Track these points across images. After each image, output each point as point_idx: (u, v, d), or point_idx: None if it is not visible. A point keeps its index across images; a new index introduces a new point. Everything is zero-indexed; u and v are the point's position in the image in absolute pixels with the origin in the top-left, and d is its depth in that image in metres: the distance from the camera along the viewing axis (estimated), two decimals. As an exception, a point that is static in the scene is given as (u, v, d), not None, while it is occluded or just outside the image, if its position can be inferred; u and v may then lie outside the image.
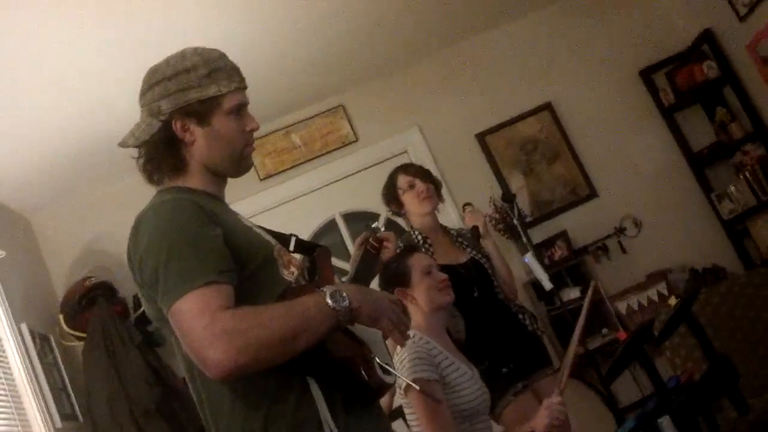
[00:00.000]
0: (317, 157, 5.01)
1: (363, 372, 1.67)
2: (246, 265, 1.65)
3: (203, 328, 1.49)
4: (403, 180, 3.50)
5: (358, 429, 1.67)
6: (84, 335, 4.29)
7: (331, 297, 1.59)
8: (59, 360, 4.28)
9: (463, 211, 3.59)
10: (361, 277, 2.04)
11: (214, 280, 1.55)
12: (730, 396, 2.71)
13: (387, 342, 1.87)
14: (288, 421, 1.62)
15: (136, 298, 4.49)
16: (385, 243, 2.07)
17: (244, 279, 1.63)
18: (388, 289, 2.76)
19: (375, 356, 1.71)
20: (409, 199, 3.46)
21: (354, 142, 5.02)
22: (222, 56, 1.81)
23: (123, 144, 1.81)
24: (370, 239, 2.07)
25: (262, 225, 1.90)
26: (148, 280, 1.61)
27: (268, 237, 1.81)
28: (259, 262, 1.68)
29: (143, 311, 4.35)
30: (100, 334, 4.23)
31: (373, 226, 2.12)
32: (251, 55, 3.82)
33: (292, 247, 1.92)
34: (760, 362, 3.97)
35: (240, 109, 1.81)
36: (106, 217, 4.79)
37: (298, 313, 1.57)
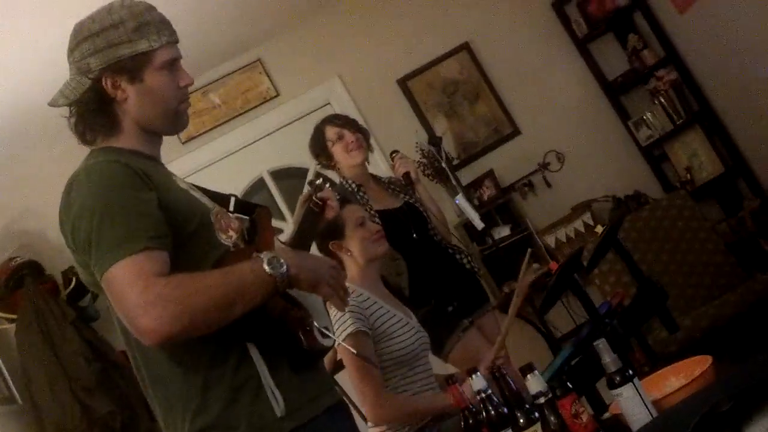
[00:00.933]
0: (239, 115, 4.94)
1: (301, 336, 1.67)
2: (181, 230, 1.62)
3: (137, 295, 1.47)
4: (331, 131, 3.46)
5: (300, 389, 1.67)
6: (14, 317, 4.19)
7: (269, 263, 1.58)
8: (-9, 344, 4.18)
9: (392, 159, 3.58)
10: (303, 235, 2.02)
11: (148, 246, 1.52)
12: (659, 316, 2.81)
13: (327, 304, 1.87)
14: (227, 385, 1.62)
15: (65, 274, 4.40)
16: (328, 202, 2.06)
17: (180, 244, 1.60)
18: (322, 243, 2.75)
19: (313, 320, 1.71)
20: (338, 151, 3.43)
21: (275, 97, 4.95)
22: (150, 8, 1.75)
23: (53, 103, 1.74)
24: (313, 197, 2.05)
25: (199, 186, 1.87)
26: (81, 245, 1.58)
27: (205, 199, 1.78)
28: (195, 226, 1.65)
29: (74, 288, 4.30)
30: (31, 314, 4.14)
31: (317, 182, 2.10)
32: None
33: (231, 207, 1.89)
34: (685, 281, 4.13)
35: (172, 64, 1.75)
36: (27, 195, 4.64)
37: (235, 280, 1.55)
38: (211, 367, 1.62)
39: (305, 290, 1.68)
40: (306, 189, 2.12)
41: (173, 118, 1.78)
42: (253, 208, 1.90)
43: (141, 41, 1.70)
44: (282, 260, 1.60)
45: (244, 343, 1.63)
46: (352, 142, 3.42)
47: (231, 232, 1.73)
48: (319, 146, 3.50)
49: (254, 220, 1.84)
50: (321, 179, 2.10)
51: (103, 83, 1.70)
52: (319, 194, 2.05)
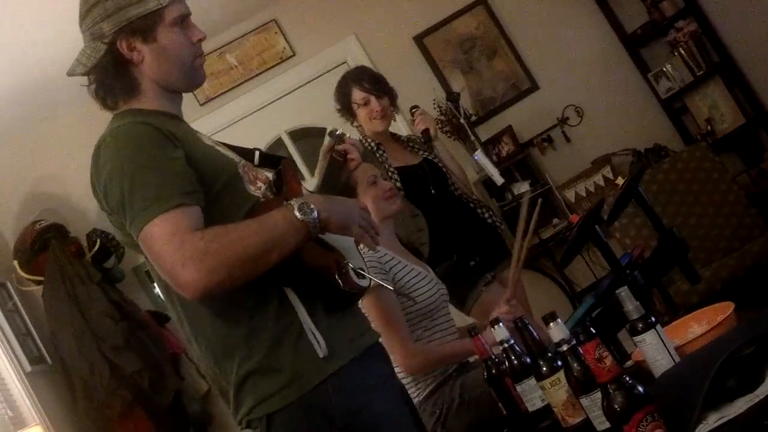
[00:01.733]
0: (255, 76, 4.94)
1: (338, 278, 1.70)
2: (212, 185, 1.64)
3: (175, 250, 1.50)
4: (358, 95, 3.39)
5: (339, 331, 1.71)
6: (41, 279, 4.26)
7: (299, 210, 1.60)
8: (20, 306, 4.25)
9: (411, 115, 3.57)
10: (327, 186, 2.03)
11: (181, 203, 1.54)
12: (681, 267, 2.81)
13: (360, 247, 1.90)
14: (270, 332, 1.65)
15: (89, 236, 4.46)
16: (349, 155, 2.06)
17: (211, 198, 1.62)
18: None
19: (348, 262, 1.74)
20: (362, 115, 3.39)
21: (291, 57, 4.94)
22: None
23: (71, 72, 1.76)
24: (336, 147, 2.06)
25: (223, 142, 1.89)
26: (115, 207, 1.60)
27: (231, 154, 1.80)
28: (225, 181, 1.67)
29: (98, 249, 4.35)
30: (58, 276, 4.20)
31: (337, 133, 2.10)
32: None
33: (256, 161, 1.91)
34: (706, 233, 4.12)
35: (183, 21, 1.77)
36: (48, 158, 4.69)
37: (268, 229, 1.57)
38: (252, 316, 1.66)
39: (337, 232, 1.70)
40: (327, 140, 2.12)
41: (190, 74, 1.79)
42: (278, 161, 1.92)
43: (150, 0, 1.71)
44: (312, 205, 1.62)
45: (282, 290, 1.67)
46: (377, 110, 3.36)
47: (259, 183, 1.75)
48: (343, 104, 3.46)
49: (280, 171, 1.86)
50: (340, 130, 2.11)
51: (119, 46, 1.71)
52: (339, 146, 2.06)
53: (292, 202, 1.62)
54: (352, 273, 1.74)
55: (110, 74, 1.73)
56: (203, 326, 1.69)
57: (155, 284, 4.61)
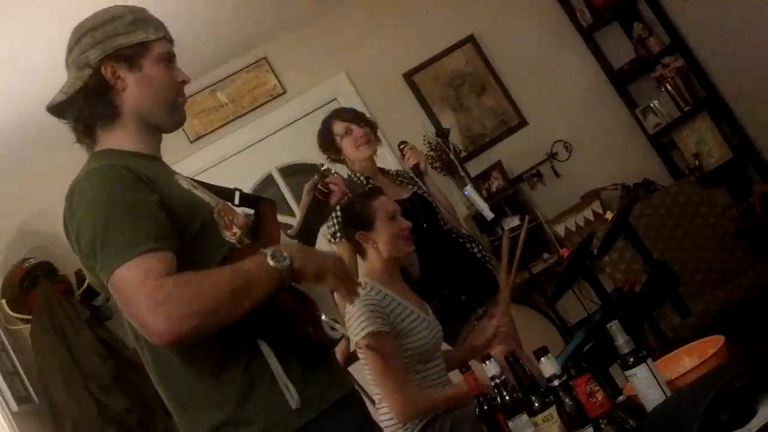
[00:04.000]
0: (246, 113, 4.95)
1: (311, 331, 1.68)
2: (186, 230, 1.62)
3: (145, 296, 1.47)
4: (339, 126, 3.46)
5: (312, 382, 1.68)
6: (29, 317, 4.22)
7: (272, 257, 1.59)
8: (6, 344, 4.21)
9: (401, 150, 3.59)
10: (309, 224, 2.03)
11: (154, 247, 1.52)
12: (671, 301, 2.82)
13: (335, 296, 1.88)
14: (239, 382, 1.63)
15: (78, 274, 4.43)
16: (332, 187, 2.06)
17: (185, 243, 1.60)
18: (348, 230, 2.75)
19: (320, 314, 1.72)
20: (347, 145, 3.44)
21: (282, 94, 4.97)
22: (146, 10, 1.80)
23: (52, 103, 1.76)
24: (319, 185, 2.06)
25: (203, 181, 1.88)
26: (87, 251, 1.58)
27: (209, 197, 1.78)
28: (199, 225, 1.66)
29: (87, 287, 4.32)
30: (46, 314, 4.16)
31: (323, 168, 2.11)
32: (168, 15, 3.73)
33: (237, 201, 1.91)
34: (696, 267, 4.13)
35: (169, 60, 1.79)
36: (37, 196, 4.66)
37: (241, 276, 1.56)
38: (222, 364, 1.63)
39: (312, 281, 1.68)
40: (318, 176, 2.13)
41: (172, 110, 1.79)
42: (257, 202, 1.91)
43: (138, 32, 1.74)
44: (285, 254, 1.61)
45: (253, 339, 1.64)
46: (360, 136, 3.42)
47: (235, 229, 1.73)
48: (327, 141, 3.50)
49: (259, 214, 1.85)
50: (326, 166, 2.11)
51: (103, 71, 1.72)
52: (327, 180, 2.06)
53: (266, 250, 1.60)
54: (325, 325, 1.71)
55: (91, 100, 1.73)
56: (171, 374, 1.67)
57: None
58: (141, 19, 1.76)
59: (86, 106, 1.73)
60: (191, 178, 1.85)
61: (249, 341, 1.64)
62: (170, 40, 1.81)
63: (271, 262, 1.58)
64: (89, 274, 1.67)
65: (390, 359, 2.53)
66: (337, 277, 1.71)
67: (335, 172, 2.12)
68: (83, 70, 1.72)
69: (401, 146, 3.57)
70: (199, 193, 1.77)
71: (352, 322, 2.56)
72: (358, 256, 2.90)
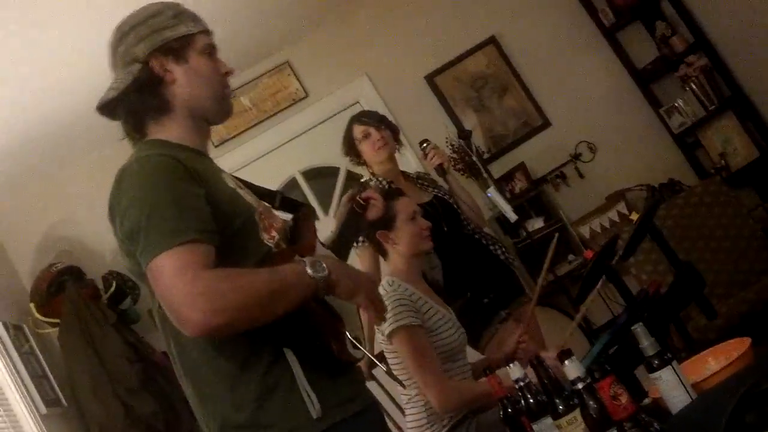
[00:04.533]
0: (269, 117, 4.98)
1: (333, 346, 1.68)
2: (227, 227, 1.63)
3: (184, 284, 1.48)
4: (357, 130, 3.49)
5: (332, 392, 1.68)
6: (57, 321, 4.26)
7: (311, 266, 1.60)
8: (36, 348, 4.26)
9: (422, 150, 3.59)
10: (343, 236, 2.04)
11: (196, 239, 1.54)
12: (698, 302, 2.79)
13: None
14: (259, 383, 1.63)
15: (105, 278, 4.47)
16: (371, 202, 2.07)
17: (225, 241, 1.62)
18: (370, 231, 2.78)
19: (346, 331, 1.72)
20: (365, 149, 3.46)
21: (304, 98, 4.99)
22: (181, 4, 1.84)
23: (103, 100, 1.78)
24: (357, 197, 2.06)
25: (247, 181, 1.89)
26: (129, 233, 1.59)
27: (251, 198, 1.80)
28: (240, 225, 1.67)
29: (114, 291, 4.37)
30: (74, 318, 4.21)
31: (362, 180, 2.12)
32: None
33: (278, 204, 1.92)
34: (723, 268, 4.09)
35: (211, 52, 1.83)
36: (64, 202, 4.74)
37: (278, 279, 1.57)
38: (245, 365, 1.64)
39: (343, 297, 1.69)
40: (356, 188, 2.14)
41: (220, 100, 1.82)
42: (298, 207, 1.93)
43: (181, 26, 1.78)
44: (324, 265, 1.62)
45: (278, 345, 1.65)
46: (378, 140, 3.43)
47: (274, 233, 1.75)
48: (348, 144, 3.54)
49: (298, 219, 1.86)
50: (366, 178, 2.12)
51: (152, 65, 1.75)
52: (363, 194, 2.06)
53: (306, 259, 1.62)
54: (348, 343, 1.72)
55: (143, 92, 1.75)
56: (195, 368, 1.68)
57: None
58: (180, 12, 1.80)
59: (138, 100, 1.76)
60: (237, 177, 1.87)
61: (274, 346, 1.65)
62: (209, 32, 1.84)
63: (309, 271, 1.60)
64: (128, 260, 1.68)
65: (426, 351, 2.56)
66: (368, 297, 1.72)
67: (374, 182, 2.12)
68: (131, 65, 1.75)
69: (423, 145, 3.57)
70: (243, 193, 1.79)
71: (388, 316, 2.57)
72: (381, 258, 2.92)
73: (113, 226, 1.66)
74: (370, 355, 1.80)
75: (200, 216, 1.58)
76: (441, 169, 3.48)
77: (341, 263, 1.74)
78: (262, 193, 1.89)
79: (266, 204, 1.84)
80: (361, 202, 2.06)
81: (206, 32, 1.83)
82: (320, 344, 1.68)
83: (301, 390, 1.63)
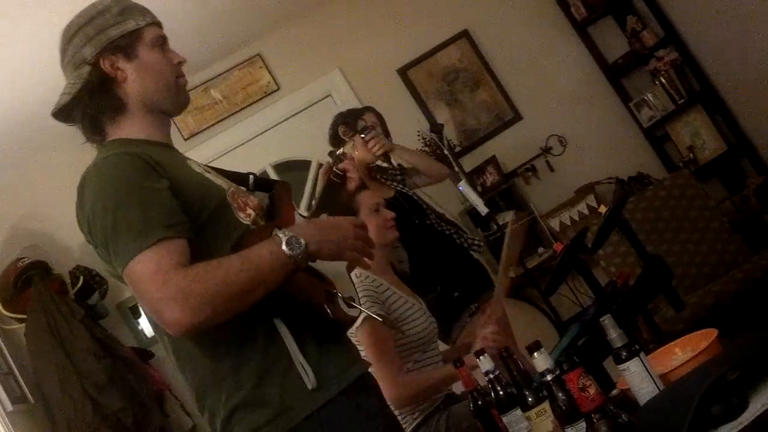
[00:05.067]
0: (240, 110, 4.95)
1: (327, 308, 1.68)
2: (199, 213, 1.62)
3: (156, 289, 1.49)
4: (371, 117, 3.49)
5: (328, 362, 1.68)
6: (24, 317, 4.21)
7: (287, 244, 1.57)
8: (1, 344, 4.20)
9: (364, 140, 3.40)
10: (325, 207, 2.01)
11: (164, 237, 1.53)
12: (665, 294, 2.81)
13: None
14: (257, 364, 1.63)
15: (72, 273, 4.42)
16: (348, 174, 2.04)
17: (198, 227, 1.61)
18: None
19: (337, 291, 1.72)
20: (368, 138, 3.41)
21: (276, 90, 4.96)
22: None
23: (57, 106, 1.76)
24: (334, 168, 2.04)
25: (216, 167, 1.87)
26: (100, 242, 1.59)
27: (221, 180, 1.77)
28: (212, 208, 1.65)
29: (81, 286, 4.32)
30: (40, 313, 4.15)
31: (338, 153, 2.10)
32: (161, 13, 3.72)
33: (251, 185, 1.90)
34: (691, 260, 4.13)
35: (162, 44, 1.80)
36: (31, 196, 4.67)
37: (254, 265, 1.55)
38: (239, 348, 1.63)
39: (329, 260, 1.69)
40: (325, 161, 2.11)
41: (174, 92, 1.80)
42: (272, 185, 1.91)
43: (128, 21, 1.75)
44: (301, 239, 1.58)
45: (270, 320, 1.64)
46: (379, 138, 3.43)
47: (249, 210, 1.73)
48: (350, 118, 3.51)
49: (273, 196, 1.84)
50: (341, 151, 2.10)
51: (102, 66, 1.73)
52: (340, 165, 2.04)
53: (280, 235, 1.58)
54: (341, 302, 1.72)
55: (95, 96, 1.73)
56: (190, 359, 1.68)
57: (139, 320, 4.60)
58: (127, 7, 1.78)
59: (91, 102, 1.74)
60: (204, 164, 1.85)
61: (266, 322, 1.64)
62: (159, 24, 1.82)
63: (285, 249, 1.57)
64: (106, 265, 1.67)
65: (384, 344, 2.56)
66: (356, 251, 1.70)
67: (345, 153, 2.11)
68: (81, 68, 1.73)
69: (362, 136, 3.41)
70: (212, 177, 1.77)
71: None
72: None
73: (84, 235, 1.66)
74: (365, 310, 1.79)
75: (165, 210, 1.56)
76: (387, 156, 3.46)
77: (317, 226, 1.69)
78: (233, 176, 1.87)
79: (237, 185, 1.81)
80: (339, 173, 2.04)
81: (155, 24, 1.80)
82: (312, 309, 1.67)
83: (296, 363, 1.63)
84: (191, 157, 1.83)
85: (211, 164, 1.90)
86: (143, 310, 1.60)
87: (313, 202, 2.07)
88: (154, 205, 1.56)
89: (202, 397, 1.69)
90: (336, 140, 3.49)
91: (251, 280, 1.54)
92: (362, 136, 3.42)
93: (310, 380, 1.63)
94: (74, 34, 1.74)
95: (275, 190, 1.88)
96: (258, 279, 1.54)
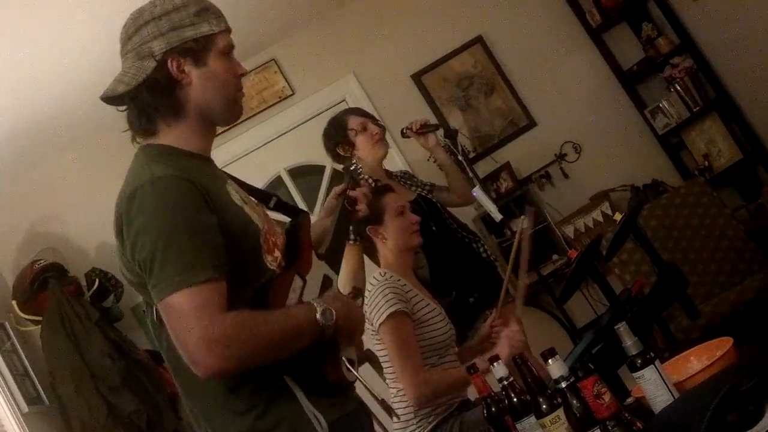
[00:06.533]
0: (255, 114, 4.96)
1: (329, 373, 1.71)
2: (234, 254, 1.59)
3: (200, 328, 1.46)
4: (354, 122, 3.42)
5: (329, 405, 1.70)
6: (40, 319, 4.24)
7: (322, 314, 1.62)
8: (17, 346, 4.23)
9: (414, 133, 3.52)
10: (339, 236, 2.03)
11: (212, 277, 1.51)
12: (680, 302, 2.80)
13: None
14: (263, 409, 1.65)
15: (88, 276, 4.45)
16: (358, 205, 2.05)
17: (230, 267, 1.58)
18: (360, 225, 2.78)
19: (342, 355, 1.74)
20: (362, 141, 3.39)
21: (290, 95, 4.98)
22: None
23: (110, 93, 1.69)
24: (348, 192, 2.04)
25: (243, 182, 1.87)
26: (141, 261, 1.54)
27: (256, 215, 1.74)
28: (247, 251, 1.65)
29: (97, 289, 4.34)
30: (56, 315, 4.18)
31: (351, 168, 2.10)
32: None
33: (271, 206, 1.91)
34: (706, 268, 4.11)
35: (230, 52, 1.75)
36: (47, 199, 4.70)
37: (293, 328, 1.59)
38: (245, 386, 1.65)
39: (342, 338, 1.71)
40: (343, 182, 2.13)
41: (232, 105, 1.76)
42: (293, 212, 1.92)
43: (203, 24, 1.69)
44: (333, 312, 1.63)
45: (279, 374, 1.66)
46: (376, 133, 3.40)
47: (276, 253, 1.73)
48: (339, 135, 3.44)
49: (296, 229, 1.83)
50: (355, 165, 2.12)
51: (169, 65, 1.67)
52: (351, 193, 2.05)
53: (316, 305, 1.63)
54: (344, 366, 1.74)
55: (156, 92, 1.67)
56: (194, 384, 1.67)
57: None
58: (204, 8, 1.71)
59: (150, 99, 1.68)
60: (234, 178, 1.83)
61: (274, 375, 1.66)
62: (230, 30, 1.76)
63: (320, 319, 1.62)
64: (130, 275, 1.64)
65: (408, 340, 2.58)
66: (361, 336, 1.78)
67: (360, 168, 2.11)
68: (146, 60, 1.66)
69: (405, 132, 3.52)
70: (248, 210, 1.73)
71: (372, 307, 2.60)
72: (368, 258, 2.91)
73: (120, 243, 1.61)
74: (361, 379, 1.82)
75: (215, 249, 1.55)
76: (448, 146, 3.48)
77: (345, 304, 1.73)
78: (258, 194, 1.87)
79: (270, 219, 1.80)
80: (351, 199, 2.06)
81: (228, 31, 1.75)
82: (316, 371, 1.70)
83: (307, 413, 1.65)
84: (228, 178, 1.80)
85: (236, 177, 1.89)
86: (176, 343, 1.54)
87: (332, 225, 2.07)
88: (207, 241, 1.54)
89: (207, 422, 1.71)
90: (340, 158, 3.50)
91: (288, 341, 1.58)
92: (404, 134, 3.54)
93: (322, 427, 1.65)
94: (145, 23, 1.67)
95: (299, 223, 1.87)
96: (292, 342, 1.59)
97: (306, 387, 1.67)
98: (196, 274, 1.49)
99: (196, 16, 1.68)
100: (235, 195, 1.74)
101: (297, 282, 1.73)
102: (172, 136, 1.71)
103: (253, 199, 1.83)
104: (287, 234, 1.83)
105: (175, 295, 1.49)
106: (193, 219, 1.54)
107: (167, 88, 1.68)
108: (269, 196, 1.93)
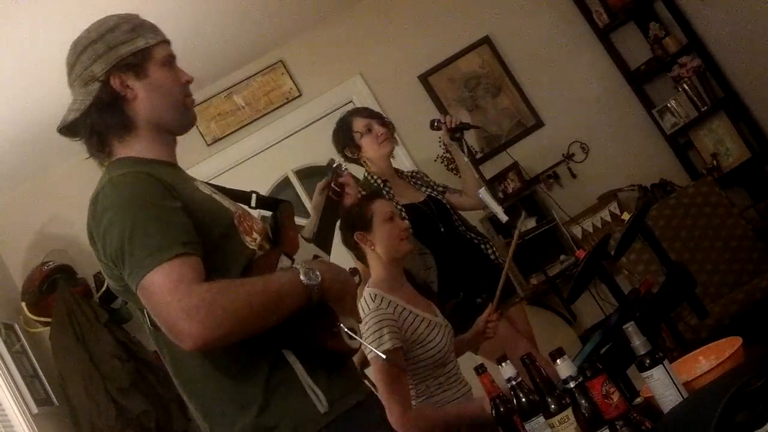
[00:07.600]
0: (263, 116, 4.98)
1: (330, 343, 1.70)
2: (208, 237, 1.62)
3: (179, 300, 1.47)
4: (359, 123, 3.43)
5: (335, 387, 1.70)
6: (49, 320, 4.26)
7: (305, 274, 1.61)
8: (27, 347, 4.25)
9: (435, 126, 3.57)
10: (324, 227, 2.04)
11: (184, 252, 1.52)
12: (689, 302, 2.79)
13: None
14: (262, 386, 1.64)
15: (96, 277, 4.46)
16: (346, 189, 2.07)
17: (208, 249, 1.61)
18: (348, 232, 2.76)
19: (341, 323, 1.73)
20: (367, 143, 3.40)
21: (298, 96, 4.99)
22: (138, 16, 1.81)
23: (64, 122, 1.75)
24: (332, 184, 2.06)
25: (220, 185, 1.89)
26: (113, 255, 1.57)
27: (228, 202, 1.79)
28: (221, 232, 1.66)
29: (106, 289, 4.36)
30: (65, 317, 4.20)
31: (334, 165, 2.11)
32: (184, 20, 3.76)
33: (253, 204, 1.92)
34: (714, 268, 4.10)
35: (171, 62, 1.80)
36: (55, 200, 4.72)
37: (274, 290, 1.57)
38: (244, 372, 1.64)
39: (332, 301, 1.70)
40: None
41: (182, 112, 1.80)
42: (275, 204, 1.92)
43: (139, 39, 1.74)
44: (317, 272, 1.63)
45: (276, 349, 1.65)
46: (381, 134, 3.40)
47: (255, 234, 1.74)
48: (346, 138, 3.46)
49: (277, 217, 1.85)
50: (338, 162, 2.12)
51: (112, 83, 1.72)
52: (339, 179, 2.06)
53: (299, 266, 1.63)
54: (344, 334, 1.73)
55: (105, 111, 1.72)
56: (193, 381, 1.69)
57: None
58: (137, 25, 1.77)
59: (100, 119, 1.73)
60: (209, 183, 1.86)
61: (271, 349, 1.65)
62: (168, 42, 1.81)
63: (303, 279, 1.60)
64: (111, 281, 1.67)
65: (399, 377, 2.52)
66: (355, 299, 1.75)
67: (346, 168, 2.13)
68: (90, 84, 1.71)
69: (434, 124, 3.56)
70: (220, 198, 1.78)
71: (367, 337, 2.55)
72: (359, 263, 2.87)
73: (95, 251, 1.65)
74: (365, 343, 1.81)
75: (183, 228, 1.57)
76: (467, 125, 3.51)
77: (330, 266, 1.74)
78: (236, 195, 1.89)
79: (243, 206, 1.83)
80: (336, 189, 2.06)
81: (165, 42, 1.80)
82: (314, 340, 1.68)
83: (306, 388, 1.64)
84: (210, 170, 1.84)
85: (233, 174, 1.92)
86: (152, 324, 1.57)
87: (316, 219, 2.08)
88: (171, 222, 1.56)
89: (205, 417, 1.71)
90: (349, 160, 3.52)
91: (271, 303, 1.56)
92: (435, 126, 3.57)
93: (322, 405, 1.65)
94: (83, 49, 1.73)
95: (279, 211, 1.89)
96: (277, 303, 1.57)
97: (306, 362, 1.66)
98: (165, 252, 1.51)
99: (130, 32, 1.74)
100: (204, 187, 1.79)
101: (284, 261, 1.72)
102: (129, 149, 1.75)
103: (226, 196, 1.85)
104: (271, 218, 1.86)
105: (149, 276, 1.50)
106: (155, 205, 1.57)
107: (114, 106, 1.73)
108: (249, 195, 1.95)
